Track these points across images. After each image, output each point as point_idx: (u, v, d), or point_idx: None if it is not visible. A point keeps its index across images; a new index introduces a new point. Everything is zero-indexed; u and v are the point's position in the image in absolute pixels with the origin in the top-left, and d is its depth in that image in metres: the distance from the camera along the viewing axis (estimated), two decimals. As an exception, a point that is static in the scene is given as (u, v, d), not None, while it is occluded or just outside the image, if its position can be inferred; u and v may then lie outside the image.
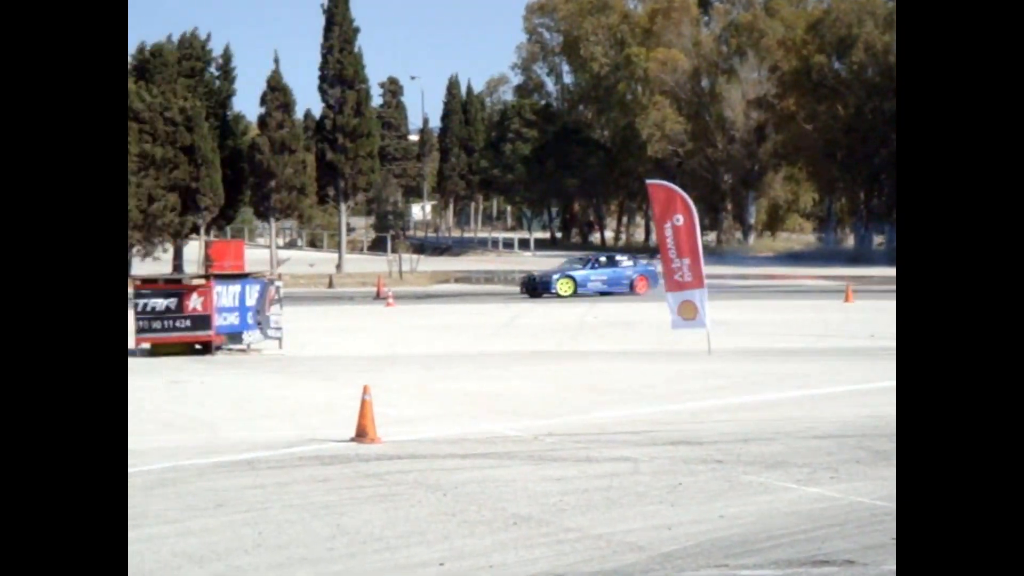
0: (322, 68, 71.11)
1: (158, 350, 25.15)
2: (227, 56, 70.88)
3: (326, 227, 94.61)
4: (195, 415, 16.94)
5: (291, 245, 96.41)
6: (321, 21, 71.12)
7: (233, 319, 26.01)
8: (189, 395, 19.28)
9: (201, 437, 14.98)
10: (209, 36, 69.55)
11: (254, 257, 68.39)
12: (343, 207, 73.10)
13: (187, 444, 14.37)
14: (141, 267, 62.61)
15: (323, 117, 72.21)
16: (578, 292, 48.30)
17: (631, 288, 48.72)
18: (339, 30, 70.59)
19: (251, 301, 26.48)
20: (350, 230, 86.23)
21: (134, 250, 64.61)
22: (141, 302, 25.13)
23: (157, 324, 25.06)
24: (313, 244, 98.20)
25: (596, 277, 49.29)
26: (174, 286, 25.92)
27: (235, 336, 26.26)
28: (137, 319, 25.09)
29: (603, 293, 48.42)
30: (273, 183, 68.24)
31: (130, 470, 12.47)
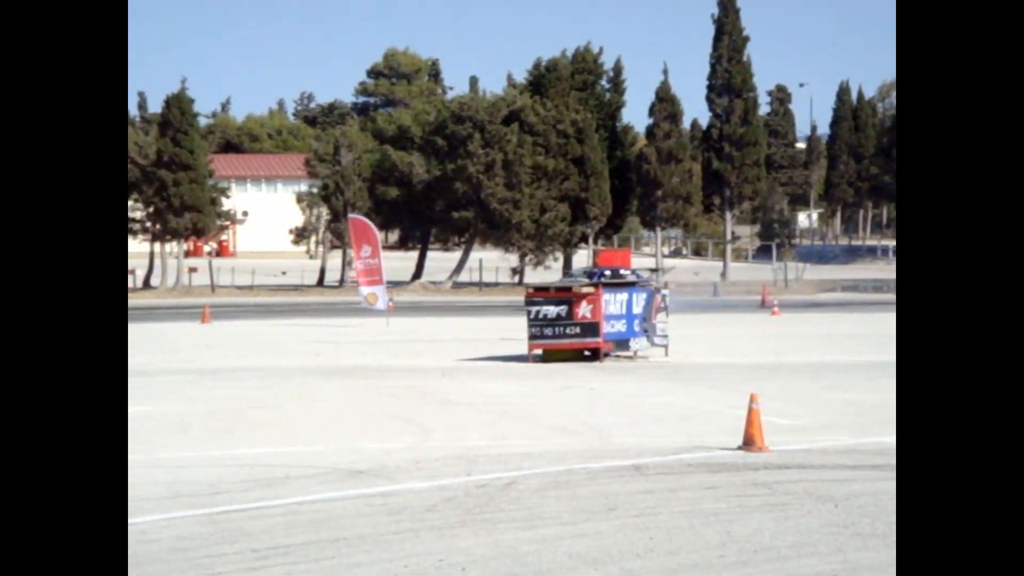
0: (710, 78, 71.27)
1: (549, 356, 25.81)
2: (618, 68, 72.20)
3: (711, 235, 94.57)
4: (585, 420, 17.31)
5: (676, 254, 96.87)
6: (711, 31, 71.31)
7: (620, 326, 26.40)
8: (579, 400, 19.72)
9: (591, 441, 15.30)
10: (601, 50, 71.04)
11: (640, 265, 69.16)
12: (728, 215, 72.98)
13: (578, 448, 14.71)
14: (533, 276, 64.41)
15: (710, 126, 72.35)
16: None
17: None
18: (728, 39, 70.57)
19: (638, 309, 26.82)
20: (735, 238, 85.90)
21: (527, 259, 66.39)
22: (533, 309, 25.84)
23: (548, 331, 25.71)
24: (698, 252, 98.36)
25: None
26: (564, 294, 26.53)
27: (622, 343, 26.64)
28: (530, 326, 25.83)
29: None
30: (659, 192, 68.90)
31: (524, 472, 12.89)
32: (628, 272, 52.31)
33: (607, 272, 51.33)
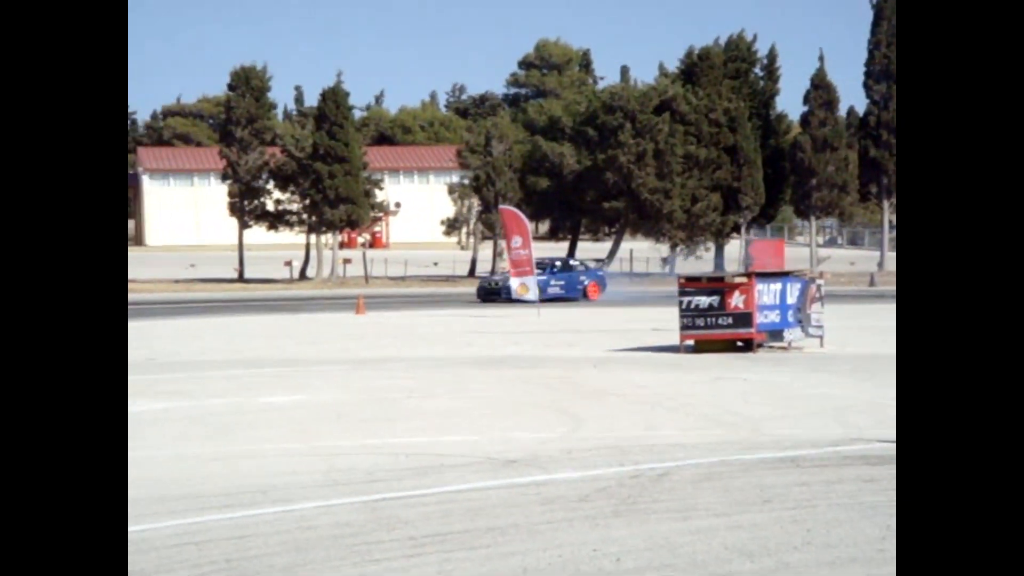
0: (868, 64, 70.03)
1: (701, 347, 25.63)
2: (772, 56, 71.36)
3: (867, 225, 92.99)
4: (739, 411, 17.14)
5: (831, 243, 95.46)
6: (869, 16, 70.05)
7: (774, 317, 26.09)
8: (733, 391, 19.53)
9: (744, 433, 15.15)
10: (755, 37, 70.33)
11: (794, 255, 68.38)
12: (886, 204, 71.65)
13: (732, 439, 14.58)
14: (684, 266, 64.04)
15: (867, 113, 71.11)
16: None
17: (584, 294, 48.49)
18: (887, 24, 69.22)
19: (792, 299, 26.47)
20: (892, 227, 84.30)
21: (676, 249, 66.12)
22: (685, 300, 25.69)
23: (700, 321, 25.53)
24: (853, 242, 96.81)
25: (555, 283, 48.58)
26: (717, 284, 26.32)
27: (776, 334, 26.33)
28: (681, 316, 25.68)
29: (557, 299, 47.19)
30: (814, 181, 67.93)
31: (677, 463, 12.81)
32: (577, 263, 52.32)
33: (557, 263, 51.46)
